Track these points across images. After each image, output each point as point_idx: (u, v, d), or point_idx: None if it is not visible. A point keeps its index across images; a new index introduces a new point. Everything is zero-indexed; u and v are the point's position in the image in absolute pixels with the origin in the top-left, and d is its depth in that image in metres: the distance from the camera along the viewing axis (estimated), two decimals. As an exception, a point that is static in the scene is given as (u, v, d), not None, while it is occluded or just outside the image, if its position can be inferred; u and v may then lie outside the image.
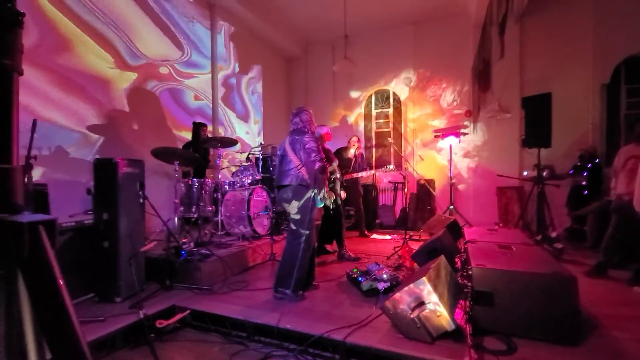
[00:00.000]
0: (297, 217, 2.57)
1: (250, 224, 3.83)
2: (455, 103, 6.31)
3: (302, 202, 2.55)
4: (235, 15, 5.81)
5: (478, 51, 5.13)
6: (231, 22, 5.86)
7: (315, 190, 2.53)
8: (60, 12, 3.40)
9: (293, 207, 2.58)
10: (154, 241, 3.05)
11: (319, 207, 2.57)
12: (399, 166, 6.61)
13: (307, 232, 2.56)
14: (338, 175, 3.75)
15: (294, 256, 2.58)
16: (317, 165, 2.51)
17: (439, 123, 6.44)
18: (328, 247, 4.12)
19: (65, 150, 3.44)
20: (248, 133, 6.28)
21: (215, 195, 3.98)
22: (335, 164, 3.73)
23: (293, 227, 2.62)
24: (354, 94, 7.26)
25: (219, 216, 3.87)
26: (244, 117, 6.27)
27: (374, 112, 7.17)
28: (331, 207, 3.43)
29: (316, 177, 2.51)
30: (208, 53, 5.38)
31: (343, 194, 3.89)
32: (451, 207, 5.32)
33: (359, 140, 4.89)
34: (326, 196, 2.55)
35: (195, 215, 3.75)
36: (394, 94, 7.01)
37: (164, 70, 4.56)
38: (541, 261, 2.25)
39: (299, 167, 2.56)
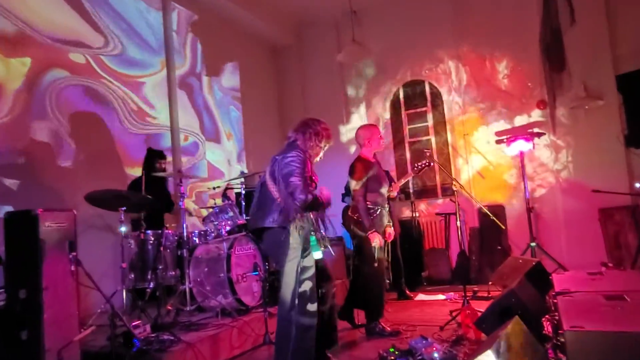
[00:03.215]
0: (288, 275, 2.67)
1: (233, 291, 3.85)
2: (522, 91, 6.43)
3: (289, 253, 2.65)
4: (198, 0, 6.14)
5: (543, 18, 5.36)
6: (193, 9, 6.19)
7: (306, 233, 2.62)
8: None
9: (280, 262, 2.70)
10: (93, 327, 3.05)
11: (317, 258, 2.68)
12: (447, 190, 6.81)
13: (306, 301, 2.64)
14: (387, 207, 3.82)
15: (299, 344, 2.62)
16: (299, 197, 2.57)
17: (502, 120, 6.53)
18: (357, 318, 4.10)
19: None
20: (230, 163, 6.49)
21: (180, 252, 4.01)
22: (384, 189, 3.81)
23: (282, 291, 2.70)
24: (372, 92, 7.44)
25: (187, 283, 3.87)
26: (215, 137, 6.41)
27: (404, 115, 7.35)
28: (375, 257, 3.55)
29: (295, 214, 2.61)
30: (158, 48, 5.60)
31: (391, 232, 3.89)
32: (533, 244, 5.31)
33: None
34: (324, 243, 2.67)
35: (152, 285, 3.76)
36: (432, 86, 7.08)
37: (77, 58, 4.63)
38: (673, 316, 2.16)
39: (279, 200, 2.69)
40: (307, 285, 2.65)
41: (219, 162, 6.46)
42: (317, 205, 2.64)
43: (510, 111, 6.52)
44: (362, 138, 3.93)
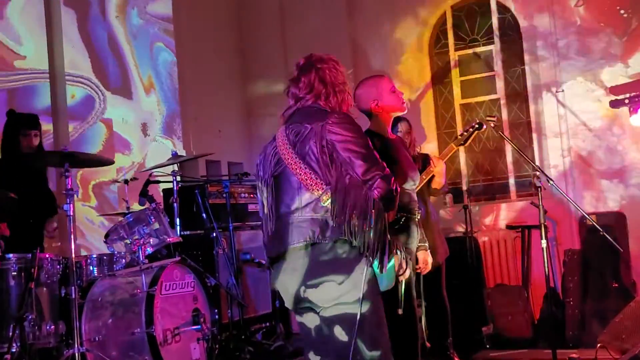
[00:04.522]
0: (343, 332, 2.26)
1: (157, 359, 3.71)
2: (612, 24, 5.90)
3: (351, 286, 2.25)
4: None
5: None
6: None
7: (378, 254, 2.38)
8: None
9: (328, 304, 2.29)
10: None
11: (385, 288, 2.45)
12: (525, 187, 6.31)
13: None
14: (417, 215, 3.55)
15: None
16: (379, 186, 2.27)
17: (578, 77, 6.01)
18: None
19: None
20: (146, 131, 5.98)
21: (65, 291, 3.90)
22: (412, 184, 3.54)
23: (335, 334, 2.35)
24: (398, 17, 6.81)
25: (76, 346, 3.55)
26: (123, 88, 5.83)
27: (452, 58, 6.83)
28: (400, 300, 3.15)
29: (377, 217, 2.31)
30: None
31: (427, 258, 3.61)
32: (673, 280, 5.02)
33: (410, 130, 4.67)
34: (405, 264, 2.45)
35: (14, 349, 3.61)
36: (502, 6, 6.44)
37: None
38: None
39: (325, 194, 2.28)
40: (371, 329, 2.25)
41: (127, 130, 5.80)
42: (395, 203, 2.36)
43: (589, 58, 5.90)
44: (365, 100, 3.43)
